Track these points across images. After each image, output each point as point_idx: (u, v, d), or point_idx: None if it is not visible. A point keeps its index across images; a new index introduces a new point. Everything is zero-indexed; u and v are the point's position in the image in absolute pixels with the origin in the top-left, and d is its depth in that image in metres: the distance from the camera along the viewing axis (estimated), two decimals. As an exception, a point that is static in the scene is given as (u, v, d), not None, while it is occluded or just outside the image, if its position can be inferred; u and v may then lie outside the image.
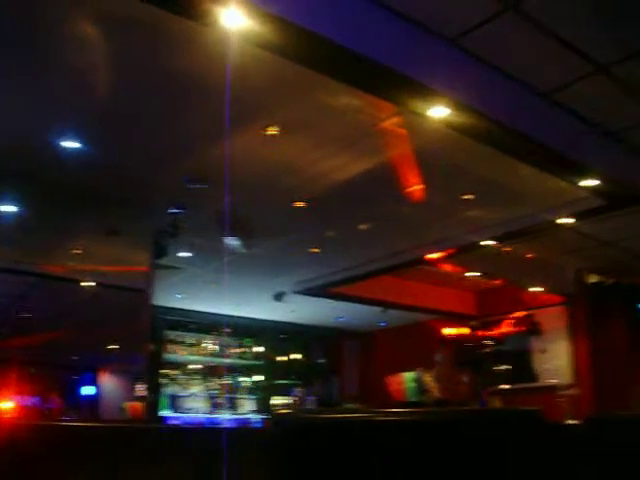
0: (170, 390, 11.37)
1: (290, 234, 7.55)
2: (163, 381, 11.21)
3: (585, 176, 5.65)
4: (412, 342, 11.83)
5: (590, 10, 4.04)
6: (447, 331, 11.21)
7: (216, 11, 3.40)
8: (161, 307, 9.91)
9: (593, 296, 9.74)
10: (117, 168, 5.82)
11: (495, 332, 10.86)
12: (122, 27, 3.87)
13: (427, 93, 4.29)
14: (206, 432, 4.22)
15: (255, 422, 11.63)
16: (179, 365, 11.77)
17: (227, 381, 12.16)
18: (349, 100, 4.71)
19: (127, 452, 3.02)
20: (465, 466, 1.64)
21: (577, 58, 4.47)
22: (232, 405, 12.03)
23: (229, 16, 3.44)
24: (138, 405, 9.20)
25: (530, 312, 10.42)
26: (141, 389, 9.16)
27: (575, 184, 5.84)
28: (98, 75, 4.35)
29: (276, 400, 12.49)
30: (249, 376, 12.56)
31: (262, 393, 12.47)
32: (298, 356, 13.32)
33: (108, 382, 12.60)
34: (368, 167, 5.82)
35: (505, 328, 10.75)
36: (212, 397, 11.83)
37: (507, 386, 10.34)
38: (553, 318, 10.13)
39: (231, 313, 11.33)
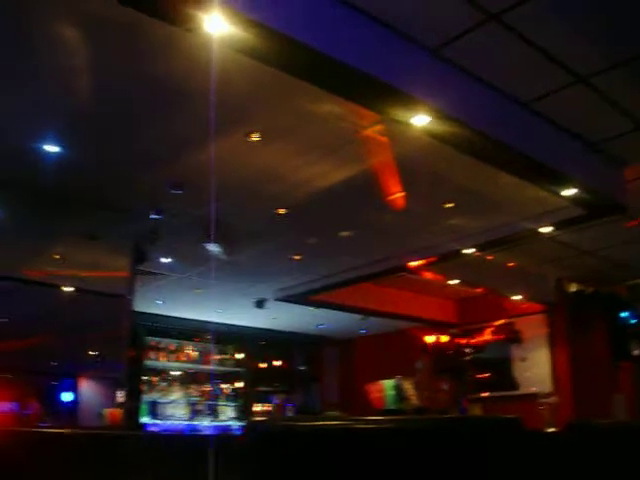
0: (150, 397, 11.29)
1: (271, 241, 7.54)
2: (143, 388, 11.13)
3: (565, 185, 5.69)
4: (393, 350, 11.84)
5: (571, 21, 4.08)
6: (427, 339, 11.23)
7: (198, 17, 3.38)
8: (142, 313, 9.83)
9: (573, 305, 9.81)
10: (97, 173, 5.79)
11: (475, 340, 10.90)
12: (103, 30, 3.85)
13: (408, 101, 4.30)
14: (184, 439, 4.19)
15: (235, 429, 11.58)
16: (160, 371, 11.69)
17: (208, 388, 12.09)
18: (331, 107, 4.71)
19: (105, 459, 2.99)
20: (445, 474, 1.64)
21: (557, 69, 4.52)
22: (213, 412, 11.97)
23: (211, 22, 3.42)
24: (117, 412, 9.12)
25: (510, 320, 10.46)
26: (122, 396, 9.08)
27: (555, 193, 5.88)
28: (79, 78, 4.32)
29: (257, 407, 12.46)
30: (230, 383, 12.50)
31: (243, 400, 12.42)
32: (279, 363, 13.30)
33: (88, 388, 12.47)
34: (350, 174, 5.82)
35: (485, 336, 10.79)
36: (193, 404, 11.76)
37: (487, 394, 10.37)
38: (533, 326, 10.17)
39: (212, 320, 11.26)
